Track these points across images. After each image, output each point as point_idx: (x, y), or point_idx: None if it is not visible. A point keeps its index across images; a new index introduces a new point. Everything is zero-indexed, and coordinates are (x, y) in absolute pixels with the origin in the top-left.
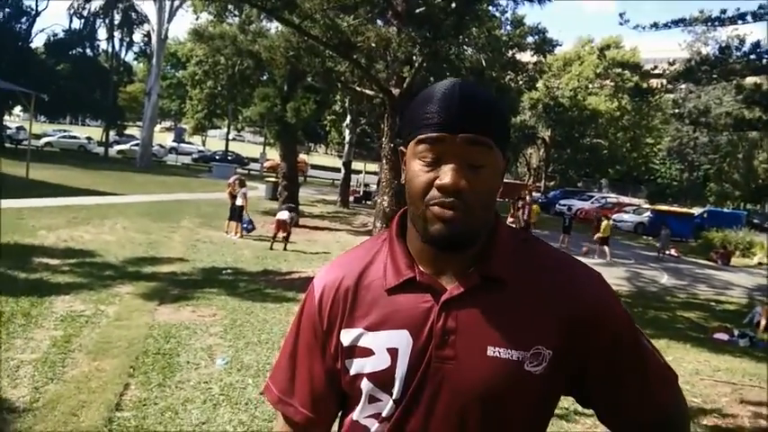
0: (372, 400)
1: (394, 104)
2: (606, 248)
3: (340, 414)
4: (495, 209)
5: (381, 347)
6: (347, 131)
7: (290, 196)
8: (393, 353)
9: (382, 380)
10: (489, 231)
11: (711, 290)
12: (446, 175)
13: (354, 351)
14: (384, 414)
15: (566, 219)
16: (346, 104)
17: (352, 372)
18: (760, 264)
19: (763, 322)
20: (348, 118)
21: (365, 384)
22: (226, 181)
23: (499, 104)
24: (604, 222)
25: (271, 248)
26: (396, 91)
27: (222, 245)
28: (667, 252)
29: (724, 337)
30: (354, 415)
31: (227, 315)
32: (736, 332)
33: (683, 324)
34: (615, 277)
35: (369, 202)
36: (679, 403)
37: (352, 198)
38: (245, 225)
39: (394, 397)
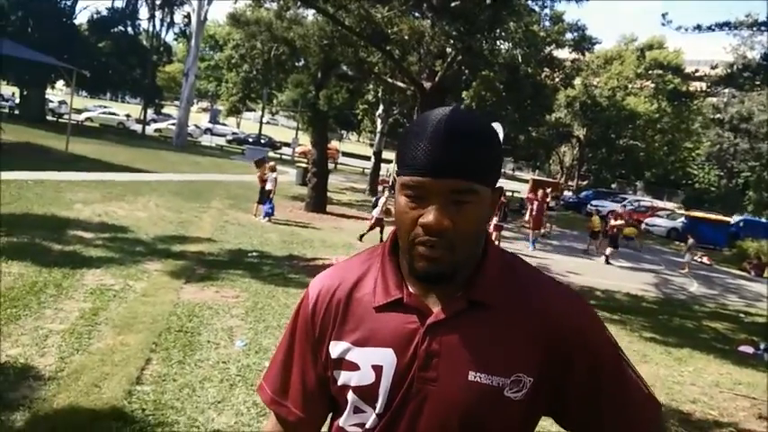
0: (357, 410)
1: (425, 97)
2: (597, 243)
3: (330, 416)
4: (486, 233)
5: (367, 363)
6: (379, 121)
7: (318, 183)
8: (378, 370)
9: (367, 394)
10: (479, 256)
11: (741, 301)
12: (429, 214)
13: (342, 364)
14: (368, 425)
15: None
16: (379, 94)
17: (340, 383)
18: None
19: None
20: (380, 108)
21: (351, 396)
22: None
23: (487, 140)
24: (594, 217)
25: (360, 239)
26: (427, 84)
27: (250, 227)
28: (695, 259)
29: (749, 350)
30: (341, 422)
31: (250, 297)
32: (762, 345)
33: (708, 334)
34: (642, 282)
35: None
36: None
37: (380, 187)
38: (266, 209)
39: (377, 411)
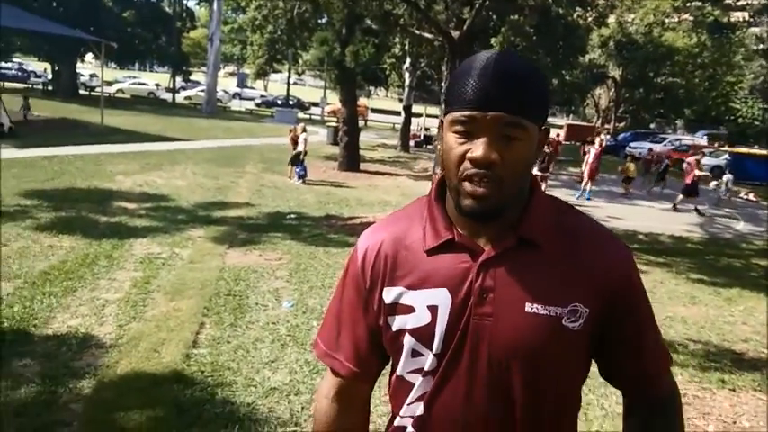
0: (414, 354)
1: (454, 47)
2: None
3: (388, 373)
4: (532, 175)
5: (422, 304)
6: (407, 75)
7: (350, 141)
8: (433, 310)
9: (423, 335)
10: (526, 197)
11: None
12: (478, 148)
13: (396, 308)
14: (426, 368)
15: (662, 164)
16: (406, 47)
17: (395, 327)
18: None
19: None
20: (407, 61)
21: (407, 339)
22: (288, 126)
23: (535, 79)
24: (629, 164)
25: None
26: (455, 33)
27: (286, 190)
28: (741, 197)
29: None
30: (398, 370)
31: (292, 259)
32: None
33: (757, 272)
34: (686, 223)
35: (429, 147)
36: (669, 383)
37: (412, 142)
38: (298, 170)
39: (434, 351)
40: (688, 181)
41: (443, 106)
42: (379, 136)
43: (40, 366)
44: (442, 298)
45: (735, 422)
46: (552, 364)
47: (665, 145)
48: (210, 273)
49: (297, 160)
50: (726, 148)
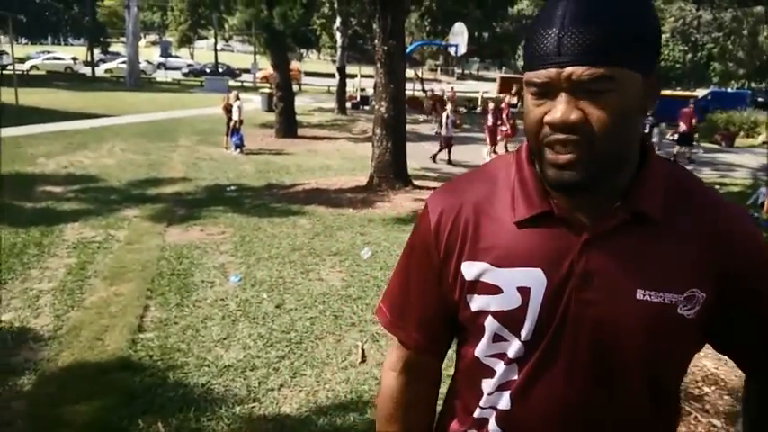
0: (497, 338)
1: (384, 2)
2: None
3: (456, 347)
4: (641, 135)
5: (511, 285)
6: (338, 35)
7: (285, 107)
8: (524, 292)
9: (510, 320)
10: (639, 162)
11: (715, 173)
12: (556, 109)
13: (477, 286)
14: (510, 355)
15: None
16: (335, 6)
17: (474, 307)
18: (764, 143)
19: (767, 203)
20: (338, 20)
21: (490, 322)
22: (219, 95)
23: (627, 16)
24: None
25: (434, 159)
26: None
27: (223, 161)
28: (668, 138)
29: None
30: (477, 351)
31: (236, 232)
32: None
33: None
34: None
35: (367, 108)
36: None
37: (349, 104)
38: (234, 140)
39: (522, 338)
40: (685, 130)
41: (378, 65)
42: (315, 100)
43: None
44: (535, 279)
45: None
46: (667, 357)
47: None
48: (151, 253)
49: (233, 129)
50: None
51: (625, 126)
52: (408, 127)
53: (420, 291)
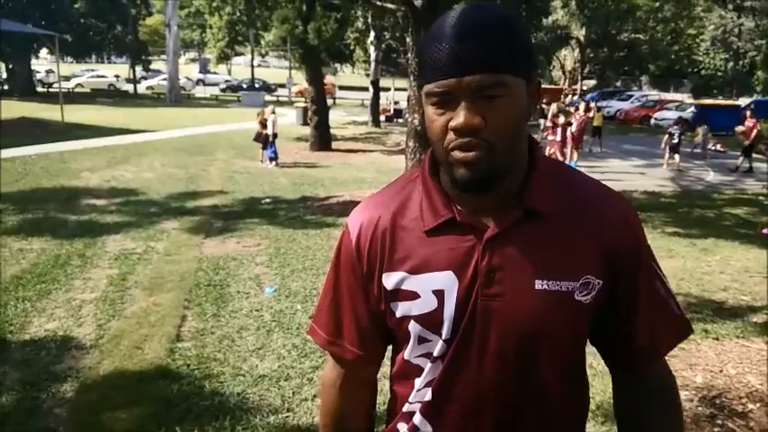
0: (422, 340)
1: (417, 17)
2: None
3: (391, 352)
4: (529, 135)
5: (427, 290)
6: (372, 49)
7: (320, 121)
8: (439, 294)
9: (430, 321)
10: (528, 162)
11: (759, 183)
12: (458, 115)
13: (398, 294)
14: (435, 353)
15: (674, 134)
16: (369, 20)
17: (399, 314)
18: None
19: None
20: (371, 35)
21: (413, 326)
22: (255, 110)
23: (510, 28)
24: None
25: None
26: (418, 2)
27: (259, 174)
28: (710, 148)
29: None
30: (405, 354)
31: (271, 244)
32: None
33: (730, 221)
34: (659, 177)
35: (400, 120)
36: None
37: (383, 117)
38: (269, 153)
39: (443, 337)
40: (749, 142)
41: (412, 78)
42: (349, 113)
43: (20, 373)
44: (447, 281)
45: (721, 370)
46: (567, 340)
47: (631, 102)
48: (188, 264)
49: (268, 142)
50: (691, 101)
51: (519, 127)
52: None
53: (351, 306)
